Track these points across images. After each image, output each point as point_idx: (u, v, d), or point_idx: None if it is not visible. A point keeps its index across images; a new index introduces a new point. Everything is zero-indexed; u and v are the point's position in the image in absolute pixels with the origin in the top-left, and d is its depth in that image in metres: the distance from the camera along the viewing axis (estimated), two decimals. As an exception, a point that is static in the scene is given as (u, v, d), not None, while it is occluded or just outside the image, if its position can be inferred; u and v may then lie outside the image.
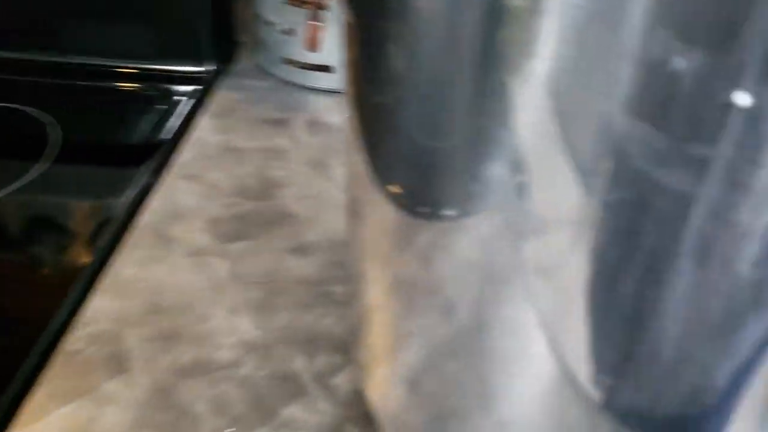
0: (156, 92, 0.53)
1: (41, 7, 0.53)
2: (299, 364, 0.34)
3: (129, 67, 0.55)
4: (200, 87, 0.54)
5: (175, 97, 0.53)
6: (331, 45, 0.52)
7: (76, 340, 0.34)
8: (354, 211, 0.27)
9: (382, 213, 0.24)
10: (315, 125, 0.51)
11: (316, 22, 0.49)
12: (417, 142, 0.21)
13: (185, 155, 0.48)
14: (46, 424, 0.31)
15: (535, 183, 0.19)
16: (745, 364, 0.20)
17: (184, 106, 0.52)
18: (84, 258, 0.39)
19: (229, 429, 0.31)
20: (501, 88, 0.17)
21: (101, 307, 0.36)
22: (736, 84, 0.13)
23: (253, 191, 0.45)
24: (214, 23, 0.54)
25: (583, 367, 0.22)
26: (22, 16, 0.53)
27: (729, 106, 0.13)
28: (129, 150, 0.48)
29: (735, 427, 0.22)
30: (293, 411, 0.32)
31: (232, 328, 0.36)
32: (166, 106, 0.52)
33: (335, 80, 0.54)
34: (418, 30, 0.19)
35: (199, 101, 0.53)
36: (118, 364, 0.33)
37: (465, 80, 0.19)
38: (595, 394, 0.22)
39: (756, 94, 0.13)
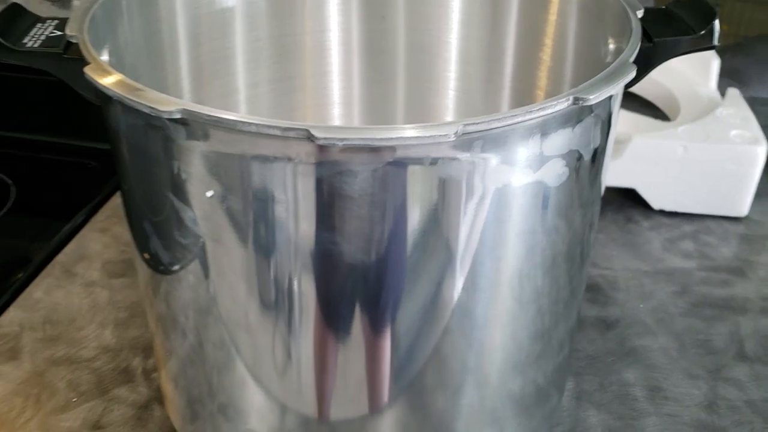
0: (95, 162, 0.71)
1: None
2: (136, 363, 0.50)
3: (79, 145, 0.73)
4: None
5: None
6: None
7: (-12, 337, 0.51)
8: (135, 269, 0.43)
9: (143, 271, 0.40)
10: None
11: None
12: (143, 224, 0.37)
13: (102, 213, 0.64)
14: (-44, 388, 0.47)
15: (209, 242, 0.34)
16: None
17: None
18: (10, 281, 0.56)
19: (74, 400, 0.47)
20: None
21: (12, 317, 0.53)
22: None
23: (144, 243, 0.61)
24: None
25: (253, 360, 0.37)
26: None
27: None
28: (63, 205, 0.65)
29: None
30: (121, 391, 0.48)
31: (97, 336, 0.52)
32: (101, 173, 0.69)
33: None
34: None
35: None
36: (12, 354, 0.50)
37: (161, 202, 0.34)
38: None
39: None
